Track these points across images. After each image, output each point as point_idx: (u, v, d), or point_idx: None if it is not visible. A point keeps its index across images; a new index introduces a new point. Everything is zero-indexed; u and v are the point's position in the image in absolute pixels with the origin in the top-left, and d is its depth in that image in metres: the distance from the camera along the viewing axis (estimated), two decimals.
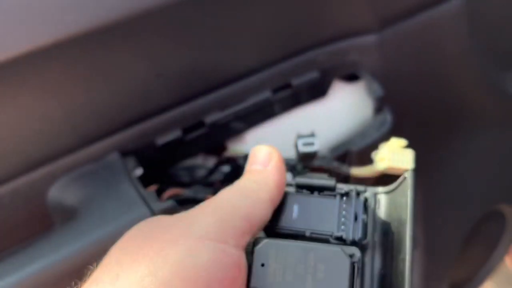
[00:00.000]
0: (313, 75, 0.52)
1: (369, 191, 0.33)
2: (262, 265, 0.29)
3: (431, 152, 0.66)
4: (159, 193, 0.46)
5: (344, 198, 0.32)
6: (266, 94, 0.50)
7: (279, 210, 0.32)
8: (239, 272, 0.28)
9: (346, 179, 0.46)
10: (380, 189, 0.33)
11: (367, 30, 0.52)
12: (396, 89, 0.56)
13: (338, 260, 0.29)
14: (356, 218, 0.31)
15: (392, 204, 0.32)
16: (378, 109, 0.54)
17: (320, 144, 0.50)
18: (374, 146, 0.52)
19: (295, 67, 0.51)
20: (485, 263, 0.86)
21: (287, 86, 0.52)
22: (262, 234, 0.33)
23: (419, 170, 0.61)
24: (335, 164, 0.47)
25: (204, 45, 0.45)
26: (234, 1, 0.44)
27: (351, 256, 0.29)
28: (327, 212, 0.32)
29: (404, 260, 0.29)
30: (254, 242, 0.32)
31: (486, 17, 0.62)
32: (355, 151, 0.50)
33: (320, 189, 0.33)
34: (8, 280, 0.38)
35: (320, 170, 0.50)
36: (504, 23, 0.65)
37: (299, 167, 0.48)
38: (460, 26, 0.57)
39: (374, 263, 0.32)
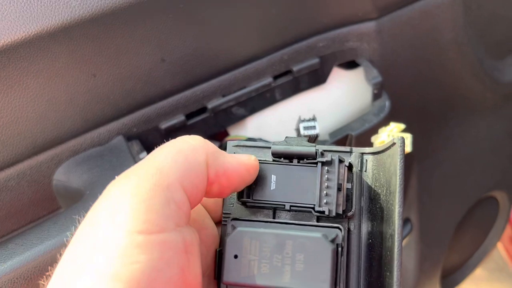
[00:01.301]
0: (313, 61, 0.53)
1: (355, 152, 0.30)
2: (235, 256, 0.26)
3: (426, 138, 0.67)
4: None
5: (326, 167, 0.28)
6: (267, 80, 0.51)
7: (255, 182, 0.29)
8: (186, 256, 0.23)
9: None
10: (367, 149, 0.30)
11: (366, 18, 0.53)
12: (394, 75, 0.57)
13: (319, 248, 0.26)
14: (339, 189, 0.28)
15: (380, 166, 0.29)
16: (376, 95, 0.55)
17: (320, 129, 0.51)
18: (373, 130, 0.53)
19: (296, 54, 0.52)
20: (477, 249, 0.88)
21: (288, 72, 0.53)
22: (240, 209, 0.30)
23: (414, 156, 0.63)
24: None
25: (207, 31, 0.46)
26: None
27: (333, 240, 0.27)
28: (308, 183, 0.29)
29: (393, 236, 0.26)
30: (224, 227, 0.29)
31: (481, 7, 0.64)
32: (354, 135, 0.51)
33: (300, 157, 0.29)
34: (17, 259, 0.38)
35: None
36: (498, 13, 0.67)
37: None
38: (455, 15, 0.58)
39: (361, 230, 0.29)
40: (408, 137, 0.43)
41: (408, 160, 0.64)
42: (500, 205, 0.83)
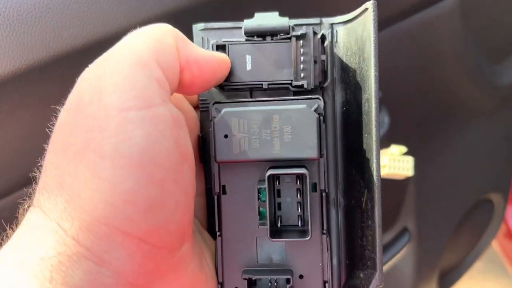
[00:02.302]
0: None
1: (325, 23, 0.30)
2: (225, 136, 0.27)
3: (424, 145, 0.67)
4: None
5: (301, 41, 0.29)
6: None
7: (231, 64, 0.29)
8: (177, 129, 0.24)
9: None
10: (337, 19, 0.30)
11: None
12: (393, 88, 0.56)
13: (305, 118, 0.27)
14: (315, 61, 0.29)
15: (352, 35, 0.29)
16: None
17: None
18: None
19: None
20: (473, 248, 0.88)
21: None
22: (216, 93, 0.30)
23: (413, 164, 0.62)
24: None
25: None
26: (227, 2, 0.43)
27: (315, 110, 0.27)
28: (284, 59, 0.29)
29: (369, 100, 0.27)
30: (203, 113, 0.30)
31: (479, 14, 0.63)
32: None
33: (273, 34, 0.29)
34: None
35: None
36: (496, 18, 0.66)
37: None
38: (454, 24, 0.58)
39: (335, 100, 0.30)
40: (410, 161, 0.43)
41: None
42: (495, 206, 0.83)
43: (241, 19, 0.30)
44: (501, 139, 0.77)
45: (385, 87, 0.54)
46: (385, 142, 0.51)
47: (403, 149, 0.43)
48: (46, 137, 0.41)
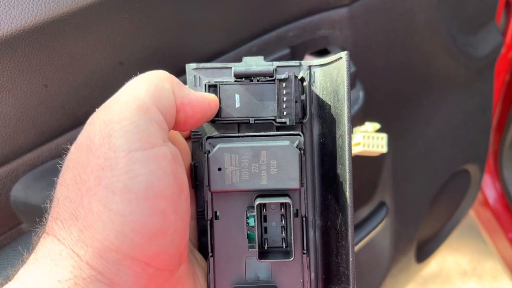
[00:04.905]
0: (284, 52, 0.50)
1: (304, 65, 0.34)
2: (219, 169, 0.31)
3: (400, 118, 0.66)
4: None
5: (283, 83, 0.33)
6: None
7: (221, 102, 0.33)
8: (175, 165, 0.27)
9: None
10: (315, 62, 0.34)
11: (338, 4, 0.50)
12: (367, 62, 0.55)
13: (288, 154, 0.30)
14: (296, 101, 0.33)
15: (327, 77, 0.33)
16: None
17: None
18: None
19: (265, 45, 0.49)
20: (450, 219, 0.89)
21: None
22: (207, 126, 0.34)
23: (389, 137, 0.62)
24: None
25: (168, 29, 0.43)
26: None
27: (297, 146, 0.31)
28: (269, 98, 0.33)
29: (343, 136, 0.31)
30: (195, 144, 0.33)
31: None
32: None
33: (259, 76, 0.33)
34: None
35: None
36: None
37: None
38: None
39: (313, 133, 0.34)
40: (384, 137, 0.42)
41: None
42: (471, 177, 0.84)
43: None
44: (477, 110, 0.77)
45: (359, 60, 0.53)
46: (359, 118, 0.50)
47: (377, 125, 0.42)
48: (1, 122, 0.39)
